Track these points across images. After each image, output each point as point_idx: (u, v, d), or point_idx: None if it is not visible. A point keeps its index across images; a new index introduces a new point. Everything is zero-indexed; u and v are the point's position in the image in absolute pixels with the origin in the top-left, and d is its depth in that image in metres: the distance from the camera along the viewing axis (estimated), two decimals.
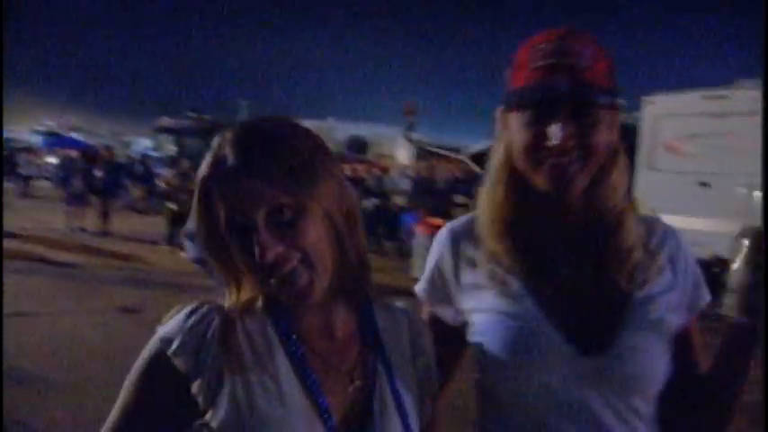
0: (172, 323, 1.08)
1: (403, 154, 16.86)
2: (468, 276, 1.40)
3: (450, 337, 1.41)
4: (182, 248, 11.87)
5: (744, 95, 9.66)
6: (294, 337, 1.11)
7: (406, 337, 1.26)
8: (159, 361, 1.05)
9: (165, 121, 26.41)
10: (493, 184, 1.40)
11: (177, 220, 12.13)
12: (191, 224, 4.06)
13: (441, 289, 1.44)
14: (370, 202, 13.73)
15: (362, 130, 17.32)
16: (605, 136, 1.27)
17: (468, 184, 12.80)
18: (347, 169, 14.39)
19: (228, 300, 1.12)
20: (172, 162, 19.12)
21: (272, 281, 1.04)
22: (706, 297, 1.41)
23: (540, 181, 1.30)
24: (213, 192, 1.04)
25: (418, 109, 17.37)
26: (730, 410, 1.34)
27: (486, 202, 1.40)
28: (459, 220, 1.49)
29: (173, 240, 12.29)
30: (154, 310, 8.03)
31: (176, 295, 8.92)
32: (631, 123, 9.55)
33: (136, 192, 21.53)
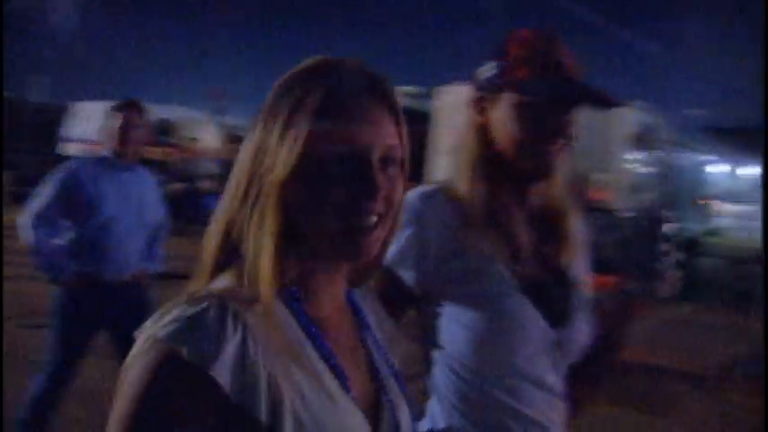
0: (193, 329, 0.81)
1: (211, 138, 16.62)
2: (452, 253, 1.41)
3: (401, 299, 1.44)
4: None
5: None
6: (316, 326, 0.95)
7: (375, 316, 1.16)
8: (192, 378, 0.78)
9: None
10: (473, 170, 1.45)
11: None
12: (37, 204, 3.78)
13: (413, 255, 1.42)
14: (177, 186, 13.49)
15: (170, 112, 16.82)
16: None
17: None
18: (158, 153, 14.00)
19: (244, 283, 0.90)
20: None
21: (347, 232, 0.90)
22: None
23: (529, 165, 1.41)
24: (331, 117, 0.89)
25: (227, 93, 17.14)
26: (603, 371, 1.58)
27: (470, 188, 1.44)
28: (428, 191, 1.47)
29: None
30: None
31: None
32: (426, 111, 10.07)
33: None
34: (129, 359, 0.82)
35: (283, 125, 0.90)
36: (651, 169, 10.49)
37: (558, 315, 1.43)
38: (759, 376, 6.33)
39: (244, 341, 0.82)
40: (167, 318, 0.83)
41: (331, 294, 1.01)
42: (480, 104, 1.47)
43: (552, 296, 1.44)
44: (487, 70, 1.46)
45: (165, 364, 0.79)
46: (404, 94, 10.82)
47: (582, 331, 1.47)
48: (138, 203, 3.65)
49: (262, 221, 0.90)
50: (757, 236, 9.79)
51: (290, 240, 0.91)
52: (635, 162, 9.95)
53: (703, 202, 13.07)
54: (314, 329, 0.94)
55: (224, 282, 0.92)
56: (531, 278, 1.42)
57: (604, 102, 1.38)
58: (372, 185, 0.89)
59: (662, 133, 10.61)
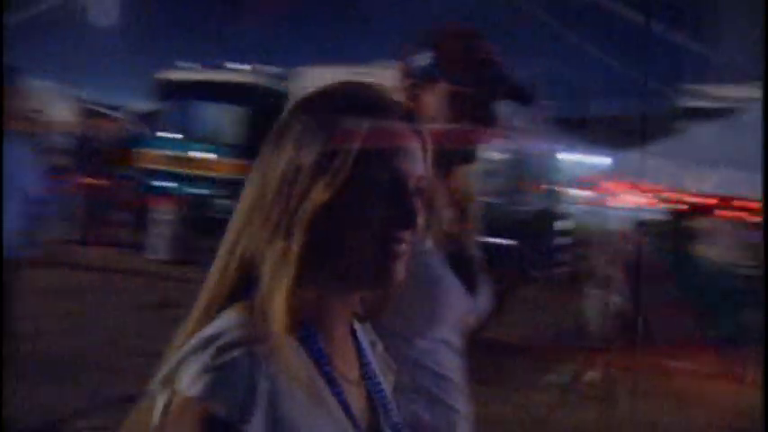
0: (225, 384, 0.79)
1: (60, 110, 15.88)
2: None
3: None
4: None
5: (385, 74, 10.77)
6: (327, 359, 0.92)
7: (367, 338, 1.12)
8: None
9: None
10: None
11: None
12: None
13: None
14: None
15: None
16: None
17: (129, 143, 12.61)
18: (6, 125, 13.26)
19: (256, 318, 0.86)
20: None
21: (381, 258, 0.90)
22: None
23: (456, 150, 1.54)
24: (376, 144, 0.89)
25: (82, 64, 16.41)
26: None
27: None
28: None
29: None
30: None
31: None
32: (284, 90, 10.13)
33: None
34: (159, 419, 0.81)
35: (324, 148, 0.88)
36: (501, 156, 10.99)
37: (468, 287, 1.57)
38: (582, 347, 6.91)
39: (272, 393, 0.80)
40: (193, 369, 0.80)
41: (341, 324, 0.98)
42: (412, 91, 1.57)
43: (465, 271, 1.57)
44: (422, 59, 1.57)
45: (203, 426, 0.77)
46: (262, 73, 10.81)
47: (483, 302, 1.64)
48: (11, 179, 3.37)
49: (288, 245, 0.87)
50: (596, 219, 10.45)
51: (312, 267, 0.88)
52: (485, 149, 10.39)
53: (551, 188, 13.76)
54: (328, 370, 0.91)
55: (237, 317, 0.87)
56: (451, 254, 1.55)
57: (529, 97, 1.58)
58: (412, 213, 0.90)
59: (512, 121, 11.13)
